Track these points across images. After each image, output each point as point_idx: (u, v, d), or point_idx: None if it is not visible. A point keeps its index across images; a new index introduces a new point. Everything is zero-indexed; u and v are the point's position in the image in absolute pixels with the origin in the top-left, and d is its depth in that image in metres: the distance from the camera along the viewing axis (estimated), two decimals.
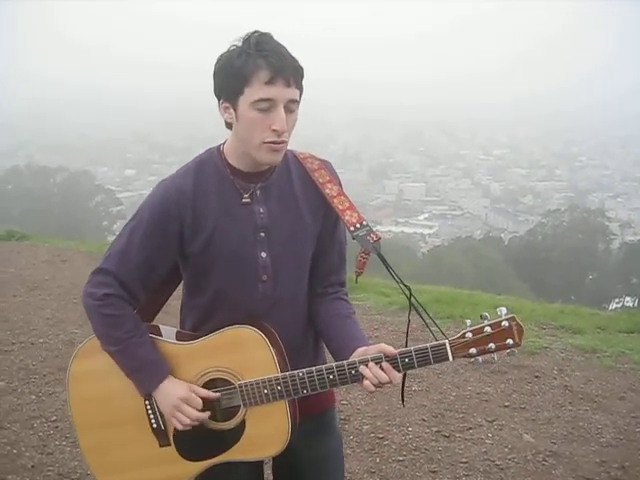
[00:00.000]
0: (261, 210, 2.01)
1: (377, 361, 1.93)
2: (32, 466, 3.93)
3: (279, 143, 1.90)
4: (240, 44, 1.88)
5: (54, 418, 4.47)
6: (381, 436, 4.29)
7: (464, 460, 4.02)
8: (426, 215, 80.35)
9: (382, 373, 1.91)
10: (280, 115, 1.86)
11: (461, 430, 4.37)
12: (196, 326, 2.12)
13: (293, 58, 1.88)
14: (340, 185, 2.10)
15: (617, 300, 43.83)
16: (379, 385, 1.93)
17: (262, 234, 2.01)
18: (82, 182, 57.39)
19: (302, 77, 1.92)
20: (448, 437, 4.28)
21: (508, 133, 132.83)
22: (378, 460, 4.03)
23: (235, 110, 1.90)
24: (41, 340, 5.89)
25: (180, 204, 1.98)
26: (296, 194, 2.05)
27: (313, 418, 2.14)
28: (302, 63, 1.92)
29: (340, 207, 2.04)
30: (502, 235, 58.84)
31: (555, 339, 5.94)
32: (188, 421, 1.98)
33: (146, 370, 1.99)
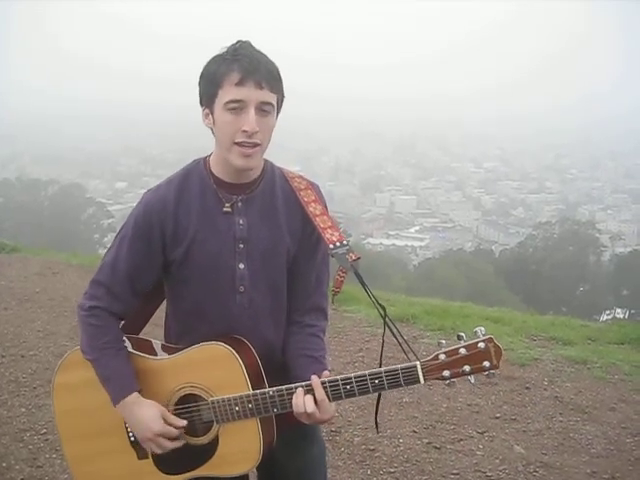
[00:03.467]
0: (241, 222, 2.03)
1: (348, 382, 1.93)
2: (22, 479, 3.91)
3: (250, 146, 1.92)
4: (222, 50, 1.93)
5: (44, 431, 4.45)
6: (372, 448, 4.28)
7: (455, 471, 4.01)
8: (417, 228, 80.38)
9: (301, 402, 1.93)
10: (250, 116, 1.89)
11: (452, 441, 4.37)
12: (179, 336, 2.14)
13: (269, 63, 1.93)
14: (325, 207, 2.11)
15: (608, 312, 44.07)
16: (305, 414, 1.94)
17: (241, 245, 2.04)
18: (73, 195, 57.33)
19: (278, 81, 1.95)
20: (439, 448, 4.28)
21: (500, 146, 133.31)
22: (369, 472, 4.02)
23: (212, 114, 1.94)
24: (31, 353, 5.86)
25: (162, 213, 2.02)
26: (278, 209, 2.07)
27: (295, 427, 2.13)
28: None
29: (322, 225, 2.05)
30: (493, 247, 59.13)
31: (546, 350, 5.95)
32: (159, 451, 2.03)
33: (114, 381, 2.02)
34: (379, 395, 2.07)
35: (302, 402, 1.92)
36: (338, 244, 2.03)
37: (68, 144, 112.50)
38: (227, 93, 1.88)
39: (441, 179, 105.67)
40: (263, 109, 1.91)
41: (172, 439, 2.01)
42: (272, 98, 1.92)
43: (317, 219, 2.06)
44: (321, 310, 2.18)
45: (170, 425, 2.00)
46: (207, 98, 1.94)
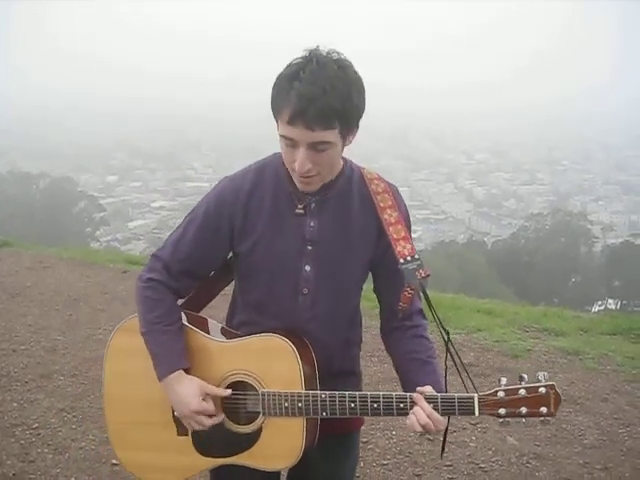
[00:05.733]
0: (312, 223, 1.99)
1: (403, 399, 1.91)
2: (13, 474, 3.89)
3: (306, 177, 1.87)
4: (296, 60, 1.81)
5: (36, 425, 4.43)
6: (365, 440, 4.28)
7: (448, 463, 4.02)
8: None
9: (423, 414, 1.88)
10: (299, 156, 1.81)
11: None
12: (240, 324, 2.14)
13: (329, 97, 1.75)
14: (402, 213, 2.04)
15: (600, 302, 44.22)
16: (424, 426, 1.88)
17: (309, 247, 1.99)
18: (65, 188, 57.01)
19: (337, 117, 1.78)
20: (432, 441, 4.28)
21: (491, 138, 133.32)
22: (362, 464, 4.02)
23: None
24: (23, 347, 5.84)
25: (234, 204, 1.99)
26: (352, 214, 2.02)
27: (336, 439, 2.14)
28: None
29: (395, 236, 1.98)
30: (485, 239, 59.10)
31: (538, 341, 5.97)
32: (200, 428, 2.02)
33: (161, 357, 2.01)
34: (447, 425, 1.99)
35: (415, 418, 1.89)
36: (409, 258, 1.96)
37: (60, 138, 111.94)
38: (281, 127, 1.80)
39: (433, 171, 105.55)
40: (317, 148, 1.81)
41: (211, 416, 2.00)
42: (328, 136, 1.79)
43: (390, 229, 1.99)
44: (418, 311, 2.14)
45: (212, 395, 1.99)
46: (271, 108, 1.86)
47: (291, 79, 1.77)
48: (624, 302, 43.64)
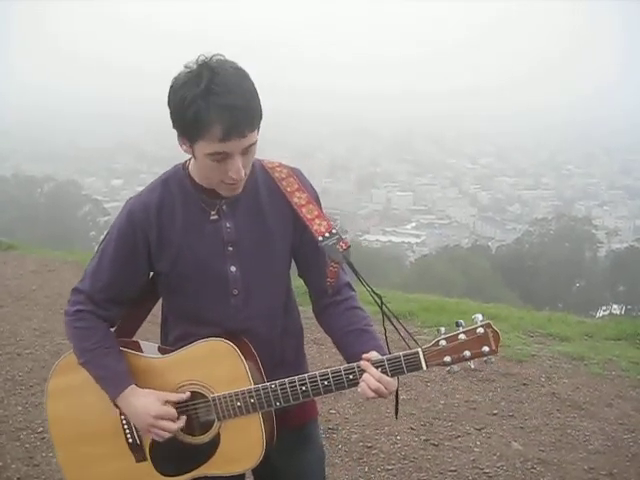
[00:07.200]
0: (228, 225, 2.00)
1: (351, 370, 1.92)
2: (18, 478, 3.90)
3: (237, 182, 1.89)
4: (192, 77, 1.77)
5: (40, 429, 4.43)
6: (370, 445, 4.28)
7: (453, 468, 4.02)
8: (414, 224, 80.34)
9: (372, 380, 1.88)
10: (236, 165, 1.83)
11: (450, 438, 4.37)
12: (177, 340, 2.11)
13: (247, 100, 1.78)
14: (310, 192, 2.06)
15: (604, 308, 44.11)
16: (376, 391, 1.89)
17: (230, 248, 2.00)
18: (69, 192, 57.18)
19: (258, 116, 1.82)
20: (437, 445, 4.28)
21: (495, 142, 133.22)
22: (367, 469, 4.02)
23: (192, 150, 1.86)
24: (27, 351, 5.85)
25: (145, 220, 1.98)
26: (263, 206, 2.03)
27: (293, 431, 2.13)
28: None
29: (308, 216, 2.01)
30: (490, 244, 59.02)
31: (543, 347, 5.95)
32: (167, 435, 1.99)
33: (109, 379, 2.00)
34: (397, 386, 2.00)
35: (366, 385, 1.90)
36: (327, 235, 1.98)
37: (64, 141, 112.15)
38: (210, 146, 1.78)
39: (437, 175, 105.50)
40: (247, 151, 1.84)
41: (174, 420, 1.98)
42: (254, 137, 1.83)
43: (303, 210, 2.01)
44: (346, 284, 2.14)
45: (172, 404, 1.98)
46: (182, 132, 1.83)
47: (204, 96, 1.74)
48: (629, 307, 43.53)
